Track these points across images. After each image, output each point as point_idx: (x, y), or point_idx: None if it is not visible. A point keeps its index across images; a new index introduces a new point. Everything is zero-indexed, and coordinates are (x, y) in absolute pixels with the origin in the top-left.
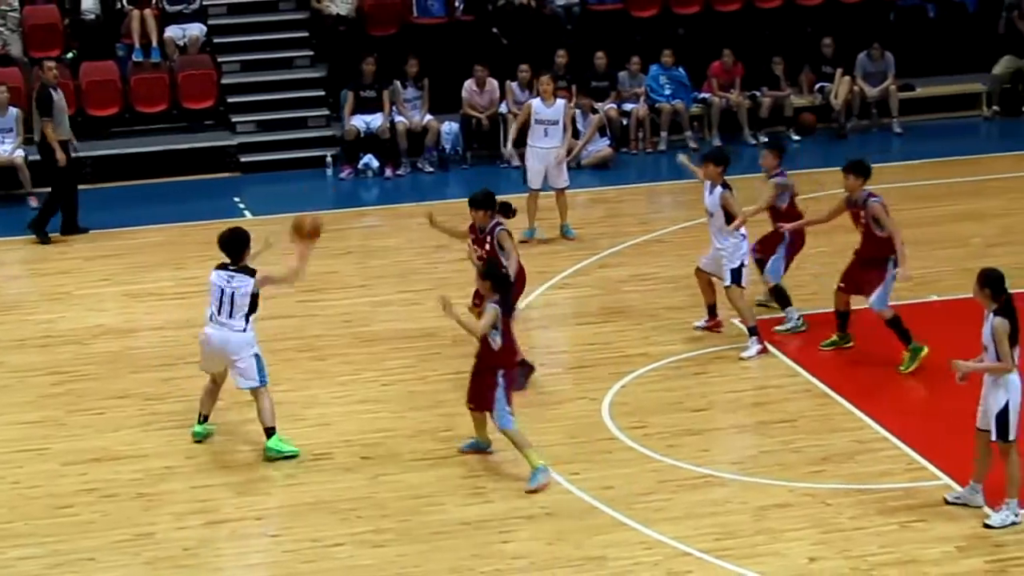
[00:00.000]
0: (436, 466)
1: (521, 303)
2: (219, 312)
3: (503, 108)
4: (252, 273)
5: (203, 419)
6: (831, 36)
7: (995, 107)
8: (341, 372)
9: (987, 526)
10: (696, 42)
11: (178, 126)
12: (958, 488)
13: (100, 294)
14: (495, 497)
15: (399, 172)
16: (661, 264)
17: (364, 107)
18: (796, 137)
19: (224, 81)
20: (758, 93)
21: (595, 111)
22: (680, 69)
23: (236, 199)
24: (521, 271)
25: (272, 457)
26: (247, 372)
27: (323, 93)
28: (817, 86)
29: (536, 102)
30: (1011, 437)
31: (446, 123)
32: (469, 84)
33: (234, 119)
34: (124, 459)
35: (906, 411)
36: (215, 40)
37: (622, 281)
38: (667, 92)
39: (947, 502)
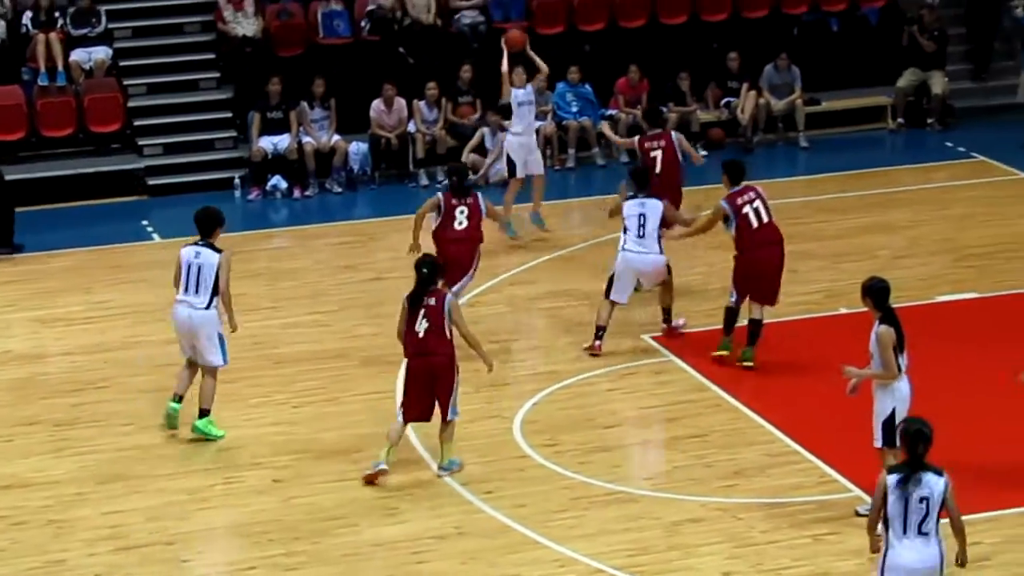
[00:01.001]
0: (348, 488)
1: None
2: (186, 289)
3: (411, 127)
4: (219, 251)
5: (178, 398)
6: (736, 51)
7: (900, 119)
8: (252, 395)
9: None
10: (602, 58)
11: (85, 150)
12: (869, 500)
13: (7, 320)
14: (409, 518)
15: (307, 193)
16: (571, 281)
17: (271, 128)
18: (704, 152)
19: (131, 104)
20: (664, 109)
21: (503, 129)
22: (586, 86)
23: (144, 222)
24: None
25: (197, 435)
26: (210, 349)
27: (230, 115)
28: (723, 101)
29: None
30: (898, 444)
31: (354, 143)
32: (377, 104)
33: (141, 142)
34: (34, 486)
35: (817, 424)
36: (121, 63)
37: (533, 299)
38: (574, 109)
39: (859, 514)
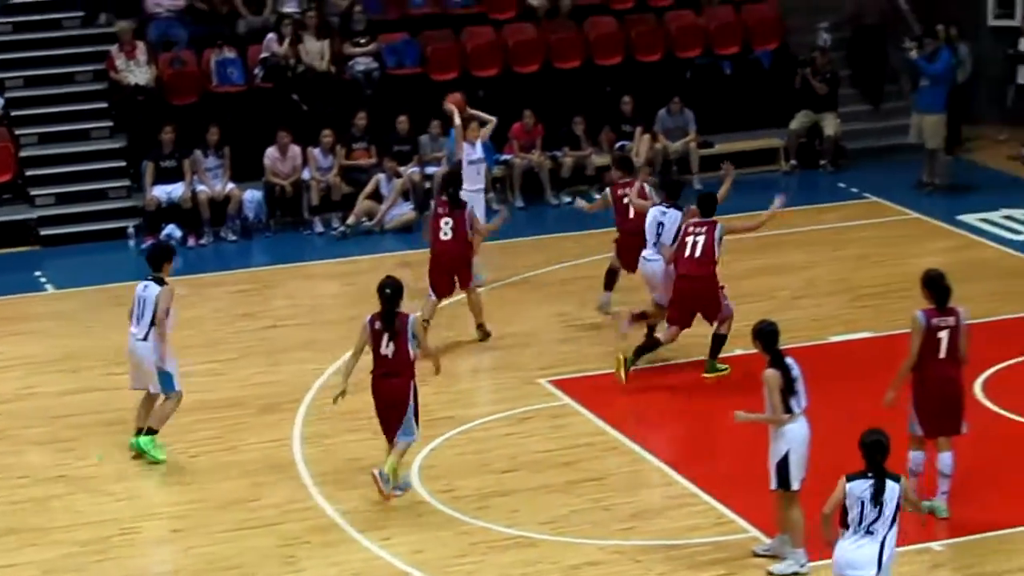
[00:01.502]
0: (247, 536)
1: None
2: (132, 320)
3: (306, 174)
4: (162, 283)
5: (138, 431)
6: (630, 95)
7: (793, 161)
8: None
9: (770, 574)
10: (496, 104)
11: None
12: (766, 540)
13: None
14: (306, 566)
15: (202, 241)
16: (467, 325)
17: (165, 177)
18: (598, 196)
19: (23, 154)
20: (559, 153)
21: (399, 175)
22: None
23: (37, 273)
24: None
25: (138, 452)
26: (152, 378)
27: (124, 164)
28: (618, 144)
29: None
30: (793, 487)
31: (248, 191)
32: (271, 151)
33: (33, 192)
34: None
35: (714, 465)
36: (12, 113)
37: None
38: None
39: (756, 554)
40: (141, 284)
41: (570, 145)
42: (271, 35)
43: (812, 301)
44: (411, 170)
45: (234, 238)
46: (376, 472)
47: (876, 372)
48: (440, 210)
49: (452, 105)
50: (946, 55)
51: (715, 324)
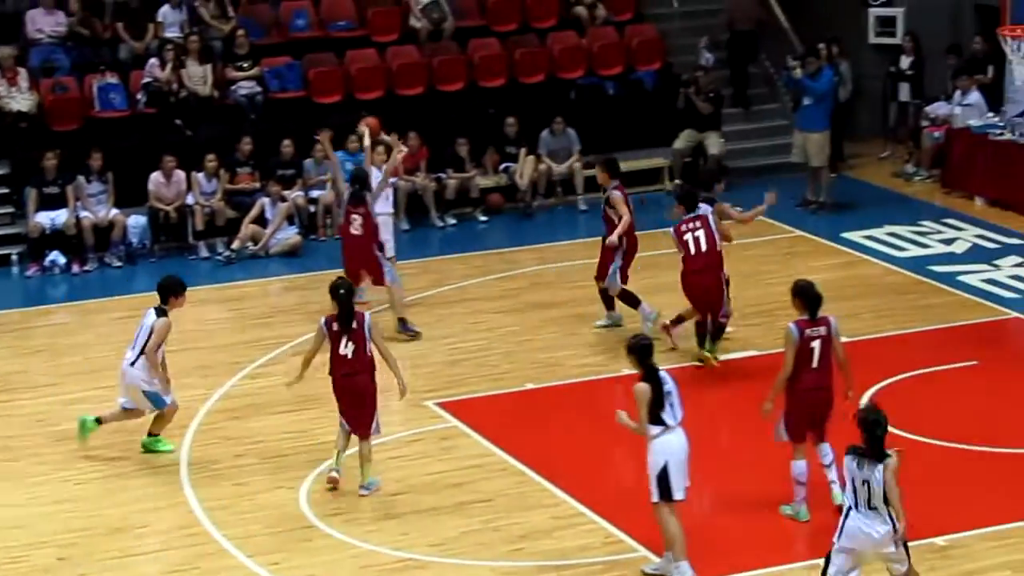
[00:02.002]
0: (134, 563)
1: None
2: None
3: (190, 199)
4: (164, 315)
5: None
6: (514, 116)
7: (677, 180)
8: (35, 472)
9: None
10: (380, 126)
11: None
12: (655, 559)
13: None
14: None
15: (86, 268)
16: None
17: (48, 203)
18: (483, 218)
19: None
20: (443, 175)
21: (283, 199)
22: (365, 154)
23: None
24: None
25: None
26: (140, 401)
27: (6, 191)
28: (502, 166)
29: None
30: (676, 496)
31: (132, 216)
32: (156, 176)
33: None
34: None
35: (602, 485)
36: None
37: (315, 368)
38: None
39: (645, 574)
40: (147, 310)
41: (454, 167)
42: (153, 60)
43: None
44: (295, 194)
45: (119, 264)
46: (333, 473)
47: (765, 390)
48: (349, 206)
49: (365, 127)
50: (828, 73)
51: (720, 319)
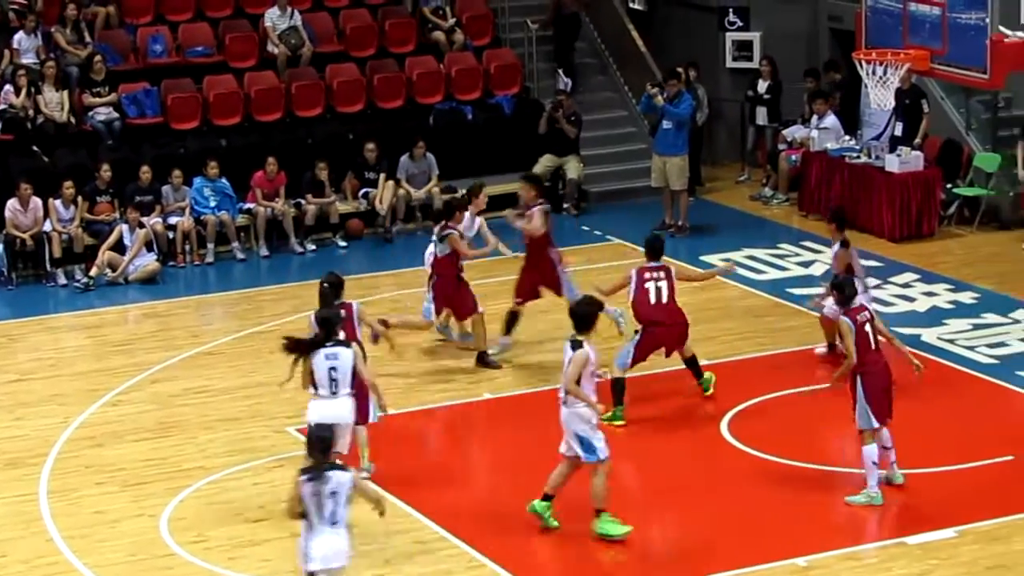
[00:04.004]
0: None
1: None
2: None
3: (47, 226)
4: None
5: None
6: (373, 141)
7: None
8: None
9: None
10: (238, 152)
11: None
12: None
13: None
14: None
15: None
16: (213, 376)
17: None
18: (343, 243)
19: None
20: (302, 201)
21: (142, 225)
22: (224, 180)
23: None
24: None
25: None
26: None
27: None
28: (361, 191)
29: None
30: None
31: None
32: (12, 203)
33: None
34: None
35: (463, 510)
36: None
37: (175, 395)
38: (212, 204)
39: None
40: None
41: (313, 192)
42: (8, 87)
43: (557, 345)
44: (154, 220)
45: None
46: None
47: (628, 410)
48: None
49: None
50: (688, 97)
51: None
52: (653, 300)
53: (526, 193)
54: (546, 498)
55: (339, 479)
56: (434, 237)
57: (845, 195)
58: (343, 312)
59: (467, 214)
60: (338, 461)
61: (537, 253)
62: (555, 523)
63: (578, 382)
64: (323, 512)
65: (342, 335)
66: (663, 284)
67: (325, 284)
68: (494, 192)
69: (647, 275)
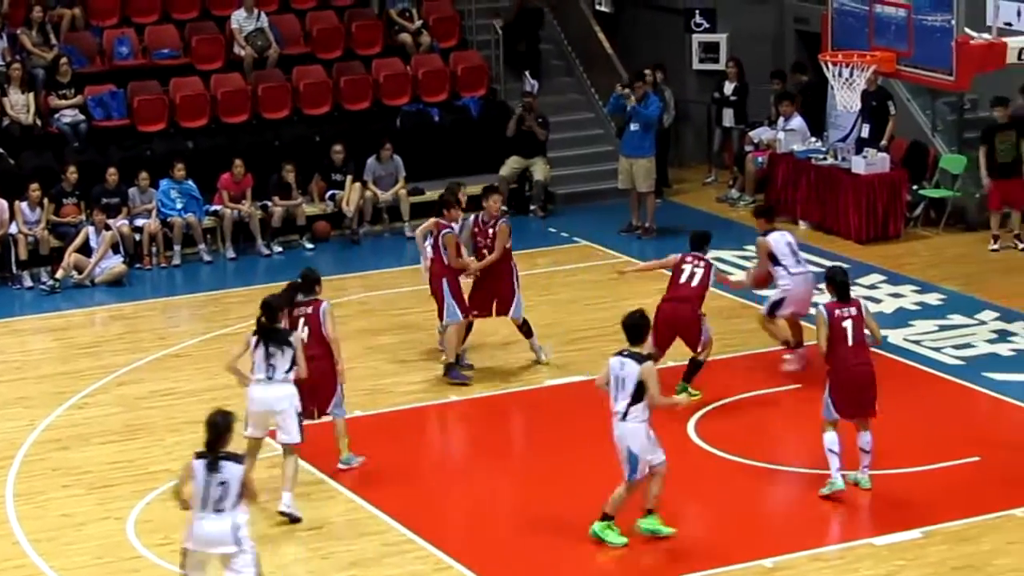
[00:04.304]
0: None
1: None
2: None
3: (13, 228)
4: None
5: None
6: (340, 143)
7: (503, 207)
8: None
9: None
10: (205, 154)
11: None
12: None
13: None
14: None
15: None
16: (180, 378)
17: None
18: (310, 245)
19: None
20: (269, 203)
21: (108, 228)
22: (190, 182)
23: None
24: None
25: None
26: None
27: None
28: (328, 193)
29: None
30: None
31: None
32: None
33: None
34: None
35: (432, 512)
36: None
37: (142, 397)
38: (178, 206)
39: None
40: None
41: (280, 194)
42: None
43: (525, 345)
44: (120, 222)
45: None
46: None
47: (590, 415)
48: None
49: None
50: (655, 99)
51: (697, 350)
52: (683, 279)
53: (493, 205)
54: (650, 513)
55: (231, 471)
56: (421, 233)
57: (811, 197)
58: (311, 308)
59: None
60: (236, 452)
61: (498, 266)
62: (668, 529)
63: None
64: (210, 498)
65: (307, 330)
66: (699, 272)
67: (299, 279)
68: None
69: (688, 260)
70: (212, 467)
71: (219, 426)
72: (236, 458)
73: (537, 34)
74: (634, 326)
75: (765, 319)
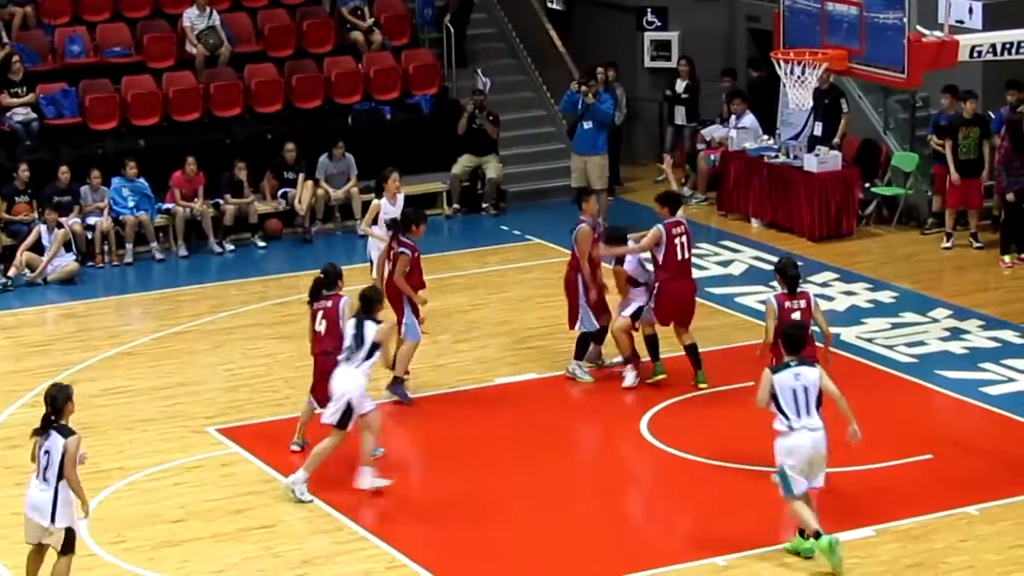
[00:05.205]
0: None
1: None
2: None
3: None
4: None
5: None
6: (292, 141)
7: (456, 205)
8: None
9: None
10: (157, 153)
11: None
12: None
13: None
14: None
15: None
16: (132, 376)
17: None
18: (262, 243)
19: None
20: (221, 201)
21: (60, 226)
22: (142, 180)
23: None
24: None
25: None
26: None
27: None
28: (280, 191)
29: (383, 202)
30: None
31: None
32: None
33: None
34: None
35: (384, 509)
36: None
37: (94, 396)
38: (131, 204)
39: None
40: None
41: (232, 192)
42: None
43: (477, 343)
44: (72, 221)
45: None
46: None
47: (541, 412)
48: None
49: None
50: (608, 97)
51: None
52: (680, 256)
53: (590, 208)
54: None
55: (55, 441)
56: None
57: (764, 195)
58: (331, 303)
59: (383, 200)
60: (67, 425)
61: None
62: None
63: None
64: (38, 466)
65: (324, 324)
66: (685, 240)
67: (321, 274)
68: (414, 192)
69: (673, 230)
70: (42, 434)
71: (56, 400)
72: (67, 431)
73: (468, 15)
74: (791, 337)
75: (626, 327)
